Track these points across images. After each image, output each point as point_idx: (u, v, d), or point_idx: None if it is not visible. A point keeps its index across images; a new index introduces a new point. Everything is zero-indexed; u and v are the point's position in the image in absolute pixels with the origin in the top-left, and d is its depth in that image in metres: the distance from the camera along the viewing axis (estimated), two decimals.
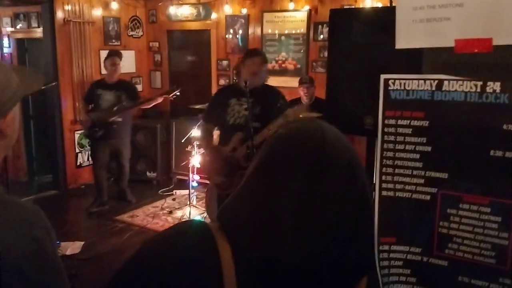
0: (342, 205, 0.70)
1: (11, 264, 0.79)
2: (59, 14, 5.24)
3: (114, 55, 4.72)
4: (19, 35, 5.91)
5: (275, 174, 0.72)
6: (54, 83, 4.56)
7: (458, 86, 0.85)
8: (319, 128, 0.74)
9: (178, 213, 4.75)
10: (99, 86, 4.70)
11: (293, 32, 5.24)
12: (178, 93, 4.66)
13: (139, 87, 6.34)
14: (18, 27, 5.83)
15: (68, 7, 5.30)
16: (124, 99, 4.65)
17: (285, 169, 0.71)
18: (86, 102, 4.79)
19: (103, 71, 5.78)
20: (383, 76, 0.88)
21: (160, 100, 4.74)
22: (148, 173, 5.76)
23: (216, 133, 3.33)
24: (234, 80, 3.33)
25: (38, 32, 5.52)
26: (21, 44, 5.98)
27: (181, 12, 5.92)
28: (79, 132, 5.55)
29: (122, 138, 4.78)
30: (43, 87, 4.04)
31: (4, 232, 0.80)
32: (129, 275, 0.73)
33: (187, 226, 0.80)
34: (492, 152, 0.83)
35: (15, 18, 5.82)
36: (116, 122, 4.61)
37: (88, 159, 5.68)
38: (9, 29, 5.90)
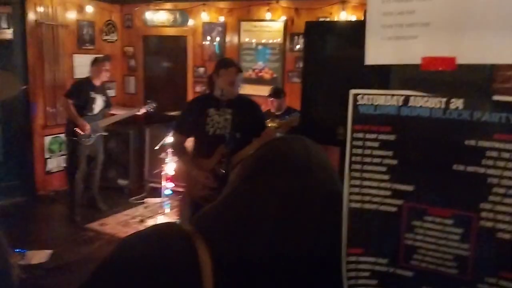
0: (324, 213, 0.74)
1: None
2: (31, 16, 5.12)
3: (107, 59, 4.72)
4: None
5: (262, 180, 0.75)
6: (24, 87, 4.42)
7: (424, 102, 0.88)
8: (303, 141, 0.81)
9: (150, 222, 4.68)
10: (91, 88, 4.55)
11: (270, 41, 5.30)
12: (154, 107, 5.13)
13: (112, 92, 6.25)
14: None
15: (40, 9, 5.18)
16: (107, 103, 4.75)
17: (272, 175, 0.75)
18: (72, 100, 4.51)
19: (76, 75, 5.68)
20: (352, 91, 0.90)
21: (140, 112, 5.07)
22: (119, 181, 5.66)
23: (189, 143, 3.30)
24: (206, 91, 3.28)
25: (8, 34, 5.37)
26: None
27: (158, 17, 5.89)
28: (49, 136, 5.41)
29: (100, 143, 4.80)
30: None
31: None
32: (104, 280, 0.71)
33: (165, 230, 0.77)
34: (455, 166, 0.86)
35: None
36: (102, 130, 4.72)
37: (58, 165, 5.54)
38: None
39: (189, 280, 0.69)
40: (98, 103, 4.61)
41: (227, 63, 3.12)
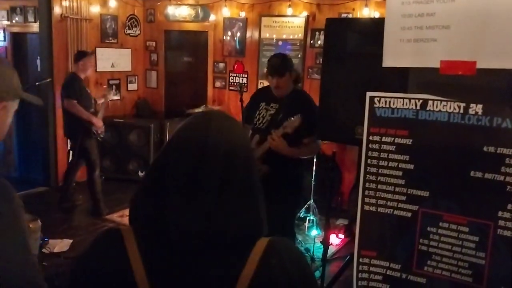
0: (221, 188, 0.82)
1: None
2: (57, 10, 5.23)
3: (92, 54, 4.64)
4: (15, 29, 5.88)
5: (168, 159, 0.87)
6: (48, 80, 4.50)
7: (442, 107, 0.86)
8: (207, 120, 0.89)
9: None
10: (83, 83, 4.53)
11: (291, 37, 5.27)
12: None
13: (134, 86, 6.34)
14: (14, 21, 5.81)
15: (65, 3, 5.28)
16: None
17: (175, 156, 0.86)
18: (76, 100, 4.35)
19: (100, 69, 5.79)
20: (368, 94, 0.90)
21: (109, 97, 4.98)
22: (140, 173, 5.75)
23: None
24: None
25: (35, 27, 5.50)
26: (17, 38, 5.95)
27: (180, 12, 5.92)
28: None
29: None
30: (36, 83, 4.02)
31: None
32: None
33: (99, 236, 0.92)
34: (472, 173, 0.84)
35: (12, 11, 5.79)
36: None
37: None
38: (5, 22, 5.87)
39: (118, 259, 0.83)
40: (91, 97, 4.59)
41: (270, 71, 3.00)
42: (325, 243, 3.05)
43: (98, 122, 4.43)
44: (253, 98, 3.28)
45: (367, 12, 4.65)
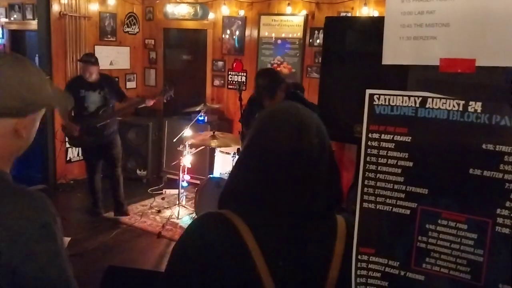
0: (315, 170, 0.95)
1: (21, 249, 0.86)
2: (55, 7, 5.21)
3: (88, 62, 4.27)
4: (14, 27, 5.87)
5: (264, 149, 0.95)
6: (47, 78, 4.47)
7: (441, 104, 0.86)
8: (294, 107, 0.99)
9: (167, 213, 4.74)
10: (80, 86, 4.22)
11: (290, 36, 5.27)
12: (172, 95, 4.44)
13: (133, 84, 6.32)
14: (12, 18, 5.79)
15: (64, 1, 5.26)
16: (109, 98, 4.36)
17: (271, 146, 0.94)
18: None
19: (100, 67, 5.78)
20: (368, 91, 0.90)
21: (151, 103, 4.46)
22: (138, 171, 5.74)
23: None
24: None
25: (33, 24, 5.48)
26: (15, 36, 5.94)
27: (178, 10, 5.92)
28: None
29: (113, 139, 4.49)
30: None
31: (14, 217, 0.87)
32: (175, 262, 0.98)
33: (201, 220, 1.01)
34: (471, 171, 0.84)
35: (10, 9, 5.78)
36: (106, 126, 4.32)
37: (78, 155, 5.65)
38: (3, 19, 5.86)
39: (230, 237, 0.91)
40: (92, 100, 4.26)
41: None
42: None
43: (68, 126, 4.26)
44: (251, 103, 3.25)
45: (366, 11, 4.65)
